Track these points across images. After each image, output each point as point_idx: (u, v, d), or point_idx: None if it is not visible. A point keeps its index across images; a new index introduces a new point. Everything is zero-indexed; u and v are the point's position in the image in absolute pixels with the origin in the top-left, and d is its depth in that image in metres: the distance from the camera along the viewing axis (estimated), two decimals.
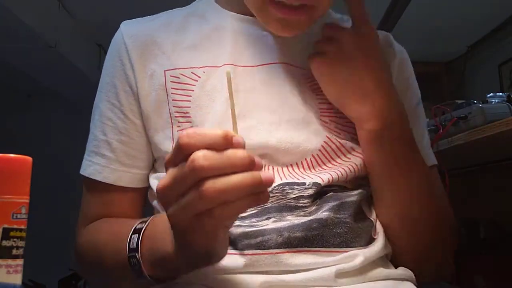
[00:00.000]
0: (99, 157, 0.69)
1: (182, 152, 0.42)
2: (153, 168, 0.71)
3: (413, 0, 2.23)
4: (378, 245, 0.62)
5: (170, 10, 0.77)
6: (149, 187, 0.71)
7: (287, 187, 0.61)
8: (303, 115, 0.65)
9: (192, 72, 0.67)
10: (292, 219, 0.59)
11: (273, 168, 0.63)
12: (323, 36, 0.66)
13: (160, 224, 0.53)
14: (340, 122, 0.67)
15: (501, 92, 1.62)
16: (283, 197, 0.60)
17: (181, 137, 0.42)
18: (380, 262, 0.62)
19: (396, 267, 0.64)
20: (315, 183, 0.62)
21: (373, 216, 0.66)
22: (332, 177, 0.63)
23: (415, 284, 0.61)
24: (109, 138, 0.69)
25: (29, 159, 0.40)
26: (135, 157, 0.69)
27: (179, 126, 0.66)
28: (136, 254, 0.54)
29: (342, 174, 0.64)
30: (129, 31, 0.71)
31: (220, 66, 0.67)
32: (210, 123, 0.64)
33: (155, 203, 0.70)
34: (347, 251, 0.59)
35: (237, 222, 0.58)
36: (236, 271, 0.56)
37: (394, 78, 0.68)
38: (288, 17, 0.61)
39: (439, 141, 1.20)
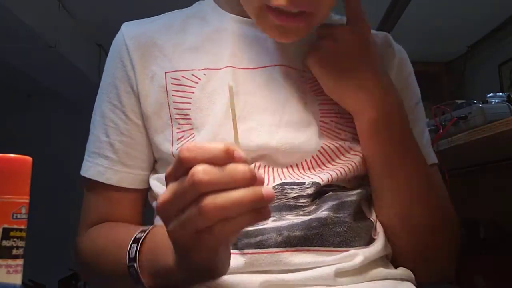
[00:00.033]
0: (102, 158, 0.69)
1: (183, 166, 0.41)
2: (153, 169, 0.71)
3: (413, 0, 2.23)
4: (378, 246, 0.62)
5: (171, 12, 0.77)
6: (149, 188, 0.71)
7: (286, 187, 0.61)
8: (303, 117, 0.65)
9: (192, 74, 0.67)
10: (292, 218, 0.59)
11: (272, 169, 0.63)
12: (318, 35, 0.66)
13: (161, 236, 0.52)
14: (341, 122, 0.67)
15: (501, 92, 1.61)
16: (283, 197, 0.61)
17: (182, 150, 0.41)
18: (380, 262, 0.62)
19: (396, 267, 0.64)
20: (314, 183, 0.62)
21: (373, 217, 0.66)
22: (332, 177, 0.63)
23: (414, 284, 0.61)
24: (111, 139, 0.69)
25: (29, 159, 0.40)
26: (137, 158, 0.70)
27: (179, 128, 0.66)
28: (135, 264, 0.54)
29: (341, 174, 0.64)
30: (130, 33, 0.71)
31: (221, 69, 0.67)
32: (210, 125, 0.64)
33: (155, 204, 0.70)
34: (347, 251, 0.59)
35: None
36: (236, 271, 0.56)
37: (393, 77, 0.69)
38: (287, 24, 0.60)
39: (439, 141, 1.20)
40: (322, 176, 0.63)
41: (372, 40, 0.67)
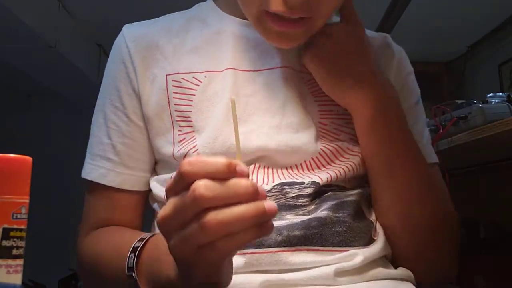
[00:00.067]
0: (104, 160, 0.69)
1: (184, 180, 0.40)
2: (154, 171, 0.71)
3: (413, 0, 2.23)
4: (378, 246, 0.62)
5: (171, 14, 0.77)
6: (150, 190, 0.71)
7: (286, 187, 0.61)
8: (303, 119, 0.65)
9: (193, 77, 0.67)
10: (291, 218, 0.59)
11: (272, 170, 0.63)
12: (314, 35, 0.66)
13: (164, 247, 0.51)
14: (340, 123, 0.67)
15: (501, 92, 1.62)
16: (282, 196, 0.61)
17: (183, 164, 0.40)
18: (379, 262, 0.62)
19: (396, 267, 0.64)
20: (314, 182, 0.62)
21: (372, 217, 0.66)
22: (331, 177, 0.63)
23: (414, 284, 0.61)
24: (113, 141, 0.69)
25: (29, 159, 0.40)
26: (138, 159, 0.70)
27: (180, 130, 0.66)
28: (133, 274, 0.55)
29: (340, 174, 0.64)
30: (132, 35, 0.71)
31: (222, 71, 0.67)
32: (211, 127, 0.64)
33: (155, 206, 0.70)
34: (347, 250, 0.59)
35: None
36: (236, 271, 0.56)
37: (392, 77, 0.69)
38: (286, 30, 0.60)
39: (439, 141, 1.20)
40: (322, 176, 0.63)
41: (366, 37, 0.67)
